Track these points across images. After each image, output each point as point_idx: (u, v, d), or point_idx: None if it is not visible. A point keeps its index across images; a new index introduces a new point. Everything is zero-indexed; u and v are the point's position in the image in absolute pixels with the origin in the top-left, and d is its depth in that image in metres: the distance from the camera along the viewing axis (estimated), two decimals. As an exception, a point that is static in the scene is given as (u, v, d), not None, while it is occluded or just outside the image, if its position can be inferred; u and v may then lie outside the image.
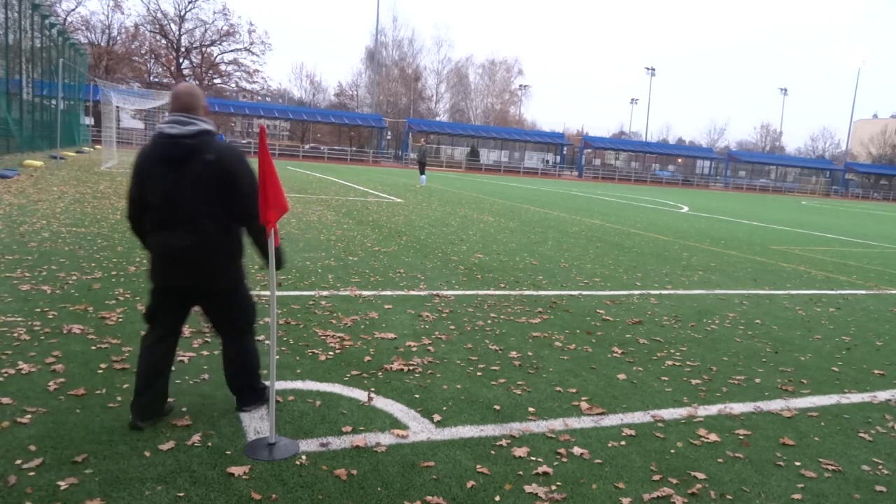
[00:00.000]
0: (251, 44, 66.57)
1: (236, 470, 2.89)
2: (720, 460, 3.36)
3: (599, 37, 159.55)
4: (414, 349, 4.78)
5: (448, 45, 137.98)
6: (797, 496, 3.05)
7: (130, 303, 5.45)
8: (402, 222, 12.74)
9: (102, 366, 4.01)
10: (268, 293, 5.11)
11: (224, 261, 3.24)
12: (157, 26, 64.71)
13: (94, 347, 4.32)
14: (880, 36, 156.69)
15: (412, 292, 6.61)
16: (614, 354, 5.00)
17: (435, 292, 6.67)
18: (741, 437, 3.67)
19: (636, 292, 7.47)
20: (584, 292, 7.24)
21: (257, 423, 3.38)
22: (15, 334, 4.44)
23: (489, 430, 3.52)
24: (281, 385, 3.89)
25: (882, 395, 4.55)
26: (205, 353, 4.37)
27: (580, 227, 14.44)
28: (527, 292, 7.01)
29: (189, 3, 63.78)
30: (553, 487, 2.95)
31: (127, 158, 24.94)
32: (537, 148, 66.43)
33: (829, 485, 3.19)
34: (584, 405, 3.94)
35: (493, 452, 3.26)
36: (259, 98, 71.16)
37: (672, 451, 3.42)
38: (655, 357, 5.02)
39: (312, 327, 5.14)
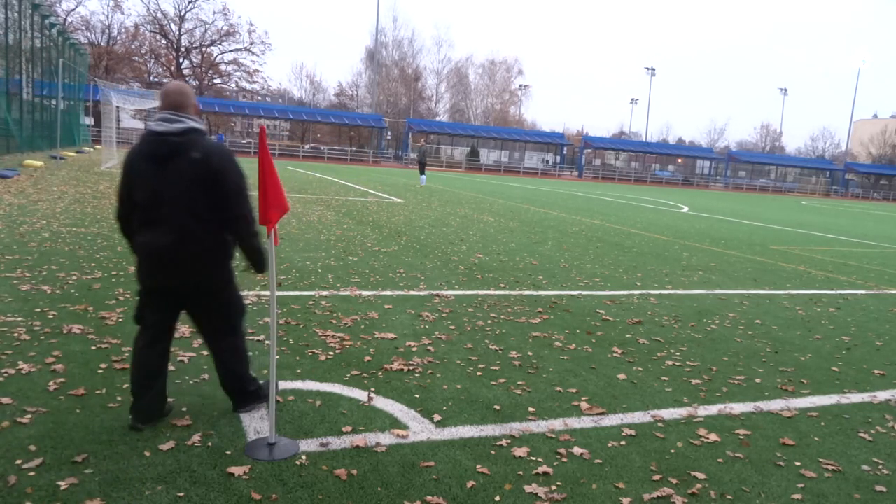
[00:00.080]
0: (251, 44, 66.67)
1: (236, 470, 2.89)
2: (720, 460, 3.36)
3: (599, 37, 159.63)
4: (414, 349, 4.78)
5: (448, 45, 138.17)
6: (797, 496, 3.05)
7: (130, 303, 5.45)
8: (402, 222, 12.74)
9: (102, 366, 4.01)
10: (268, 293, 5.11)
11: (209, 261, 3.17)
12: (157, 26, 64.76)
13: (94, 347, 4.32)
14: (880, 36, 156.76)
15: (412, 292, 6.61)
16: (614, 354, 5.00)
17: (435, 292, 6.67)
18: (741, 437, 3.67)
19: (636, 292, 7.47)
20: (584, 292, 7.24)
21: (257, 423, 3.39)
22: (15, 334, 4.44)
23: (489, 430, 3.52)
24: (281, 385, 3.88)
25: (882, 395, 4.56)
26: (205, 353, 4.36)
27: (580, 227, 14.44)
28: (527, 292, 7.01)
29: (189, 3, 63.85)
30: (553, 487, 2.95)
31: (127, 158, 24.88)
32: (537, 148, 66.43)
33: (829, 485, 3.19)
34: (584, 405, 3.94)
35: (493, 452, 3.26)
36: (259, 98, 71.20)
37: (672, 451, 3.42)
38: (655, 357, 5.02)
39: (312, 327, 5.14)
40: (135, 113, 46.34)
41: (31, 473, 2.76)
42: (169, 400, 3.46)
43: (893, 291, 8.95)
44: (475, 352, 4.82)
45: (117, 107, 27.64)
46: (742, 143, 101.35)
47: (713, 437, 3.63)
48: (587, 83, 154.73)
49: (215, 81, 68.90)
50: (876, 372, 5.09)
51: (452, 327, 5.42)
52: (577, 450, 3.34)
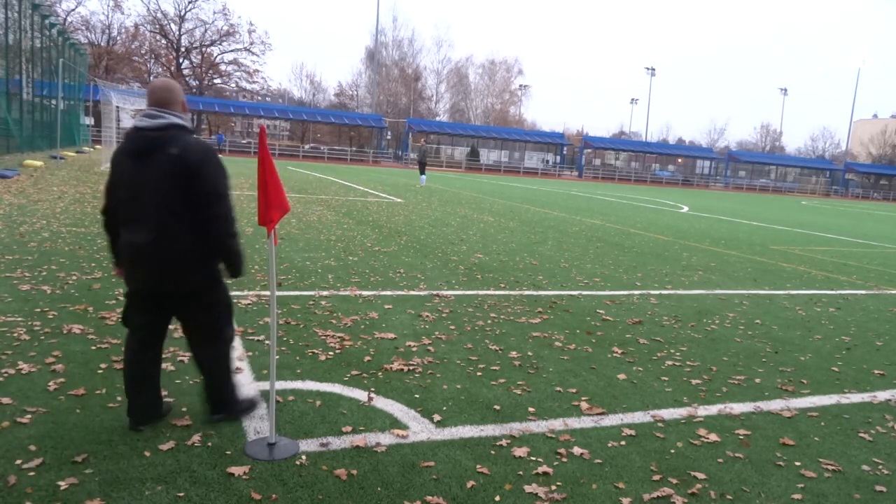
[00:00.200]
0: (251, 44, 66.70)
1: (236, 470, 2.89)
2: (720, 460, 3.36)
3: (599, 37, 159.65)
4: (414, 349, 4.78)
5: (448, 45, 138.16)
6: (797, 496, 3.05)
7: (130, 303, 5.44)
8: (402, 222, 12.74)
9: (102, 366, 4.01)
10: (268, 293, 5.11)
11: (189, 261, 3.05)
12: (157, 26, 64.77)
13: (94, 347, 4.32)
14: (880, 36, 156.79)
15: (412, 292, 6.61)
16: (614, 354, 5.00)
17: (435, 292, 6.67)
18: (741, 437, 3.67)
19: (636, 292, 7.47)
20: (584, 292, 7.24)
21: (257, 423, 3.39)
22: (15, 334, 4.44)
23: (489, 430, 3.52)
24: (281, 385, 3.89)
25: (882, 395, 4.56)
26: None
27: (580, 227, 14.44)
28: (527, 292, 7.01)
29: (189, 3, 63.86)
30: (553, 487, 2.95)
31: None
32: (537, 148, 66.43)
33: (829, 485, 3.19)
34: (584, 405, 3.94)
35: (493, 452, 3.26)
36: (259, 98, 71.21)
37: (672, 451, 3.42)
38: (655, 357, 5.02)
39: (312, 327, 5.14)
40: (135, 113, 46.32)
41: (31, 473, 2.76)
42: (169, 400, 3.46)
43: (893, 291, 8.95)
44: (475, 352, 4.82)
45: (117, 107, 27.65)
46: (742, 143, 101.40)
47: (713, 437, 3.63)
48: (587, 83, 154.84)
49: (215, 81, 68.91)
50: (876, 372, 5.09)
51: (452, 327, 5.42)
52: (577, 450, 3.34)
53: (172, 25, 65.09)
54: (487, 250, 9.77)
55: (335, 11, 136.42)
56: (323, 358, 4.44)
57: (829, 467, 3.37)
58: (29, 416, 3.27)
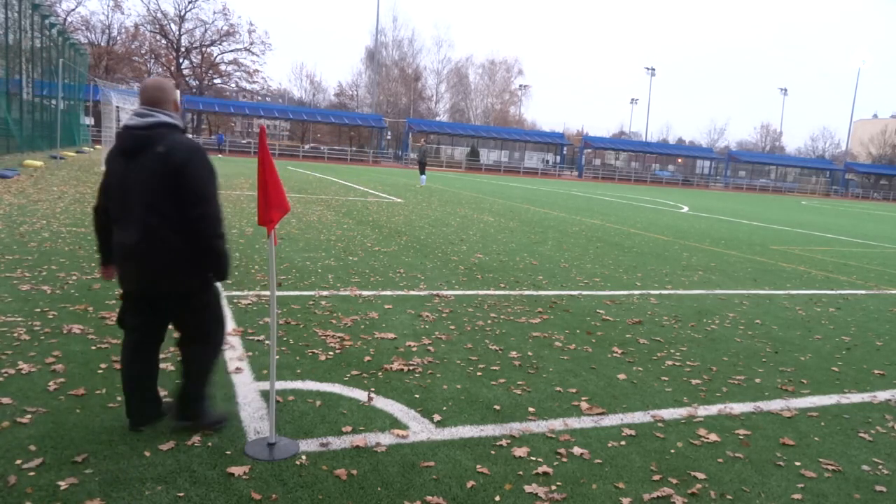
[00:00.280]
0: (251, 44, 66.75)
1: (236, 470, 2.89)
2: (720, 460, 3.36)
3: (599, 37, 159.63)
4: (414, 349, 4.78)
5: (448, 45, 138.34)
6: (797, 496, 3.05)
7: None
8: (402, 222, 12.74)
9: (102, 366, 4.01)
10: (268, 293, 5.11)
11: (177, 263, 2.99)
12: (157, 26, 64.80)
13: (94, 347, 4.32)
14: (880, 36, 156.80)
15: (412, 292, 6.61)
16: (614, 354, 5.00)
17: (435, 292, 6.67)
18: (741, 437, 3.67)
19: (636, 292, 7.47)
20: (584, 292, 7.24)
21: (257, 423, 3.39)
22: (15, 334, 4.44)
23: (489, 430, 3.52)
24: (281, 385, 3.89)
25: (882, 395, 4.56)
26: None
27: (580, 227, 14.44)
28: (527, 292, 7.01)
29: (189, 3, 63.89)
30: (553, 487, 2.95)
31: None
32: (537, 148, 66.43)
33: (829, 485, 3.19)
34: (584, 405, 3.94)
35: (493, 452, 3.26)
36: (259, 98, 71.23)
37: (672, 451, 3.42)
38: (655, 357, 5.02)
39: (312, 327, 5.14)
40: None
41: (31, 473, 2.76)
42: (169, 400, 3.46)
43: (893, 291, 8.95)
44: (475, 352, 4.82)
45: (117, 107, 27.63)
46: (742, 143, 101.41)
47: (713, 437, 3.63)
48: (587, 83, 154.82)
49: (215, 81, 68.94)
50: (876, 372, 5.09)
51: (452, 327, 5.42)
52: (577, 450, 3.34)
53: (172, 25, 65.14)
54: (487, 250, 9.77)
55: (335, 11, 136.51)
56: (323, 358, 4.44)
57: (829, 467, 3.37)
58: (29, 416, 3.27)
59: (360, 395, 3.87)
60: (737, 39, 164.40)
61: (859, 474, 3.32)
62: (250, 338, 4.76)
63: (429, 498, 2.79)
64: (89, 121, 44.60)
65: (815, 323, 6.60)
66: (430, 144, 59.79)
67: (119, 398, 3.53)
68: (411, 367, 4.37)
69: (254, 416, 3.47)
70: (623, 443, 3.48)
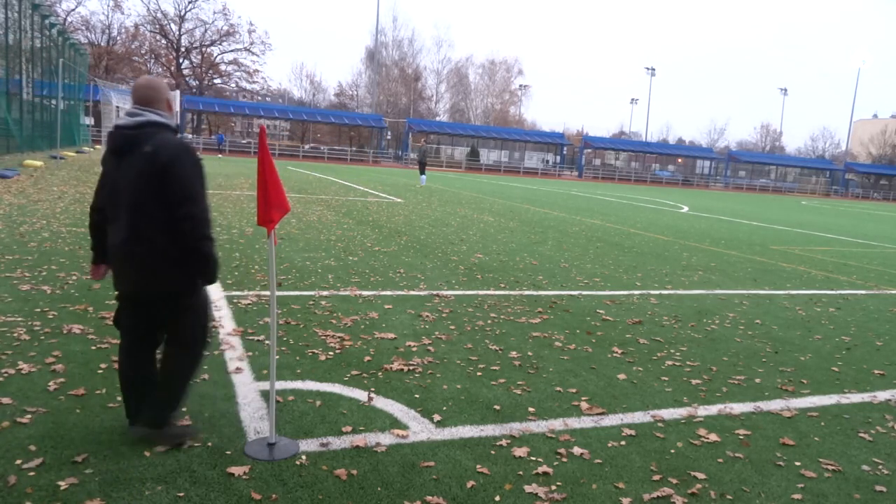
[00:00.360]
0: (251, 44, 66.78)
1: (236, 470, 2.89)
2: (720, 460, 3.36)
3: (599, 37, 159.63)
4: (414, 349, 4.78)
5: (448, 45, 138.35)
6: (797, 496, 3.05)
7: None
8: (402, 222, 12.74)
9: (102, 366, 4.01)
10: (268, 293, 5.11)
11: (163, 265, 2.94)
12: (157, 26, 64.82)
13: (94, 347, 4.33)
14: (880, 36, 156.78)
15: (412, 292, 6.61)
16: (614, 354, 5.00)
17: (435, 292, 6.67)
18: (741, 437, 3.67)
19: (636, 292, 7.47)
20: (584, 292, 7.24)
21: (257, 423, 3.39)
22: (15, 334, 4.44)
23: (489, 430, 3.52)
24: (281, 385, 3.89)
25: (882, 395, 4.56)
26: (204, 353, 4.36)
27: (580, 227, 14.44)
28: (527, 292, 7.01)
29: (189, 3, 63.91)
30: (553, 487, 2.95)
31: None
32: (537, 148, 66.44)
33: (829, 485, 3.19)
34: (584, 405, 3.94)
35: (493, 452, 3.26)
36: (259, 98, 71.25)
37: (672, 451, 3.42)
38: (655, 357, 5.02)
39: (312, 327, 5.14)
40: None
41: (31, 473, 2.76)
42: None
43: (893, 291, 8.95)
44: (475, 352, 4.82)
45: (117, 107, 27.66)
46: (742, 143, 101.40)
47: (713, 437, 3.63)
48: (587, 83, 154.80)
49: (215, 81, 68.95)
50: (876, 372, 5.09)
51: (452, 327, 5.42)
52: (577, 450, 3.34)
53: (172, 25, 65.16)
54: (487, 250, 9.77)
55: (335, 11, 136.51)
56: (323, 358, 4.44)
57: (829, 467, 3.37)
58: (29, 416, 3.27)
59: (360, 395, 3.87)
60: (737, 39, 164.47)
61: (859, 474, 3.32)
62: (250, 338, 4.76)
63: (429, 498, 2.79)
64: (89, 121, 44.58)
65: (815, 323, 6.60)
66: (431, 144, 59.78)
67: (119, 398, 3.52)
68: (411, 367, 4.37)
69: (254, 416, 3.47)
70: (623, 443, 3.48)
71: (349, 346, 4.73)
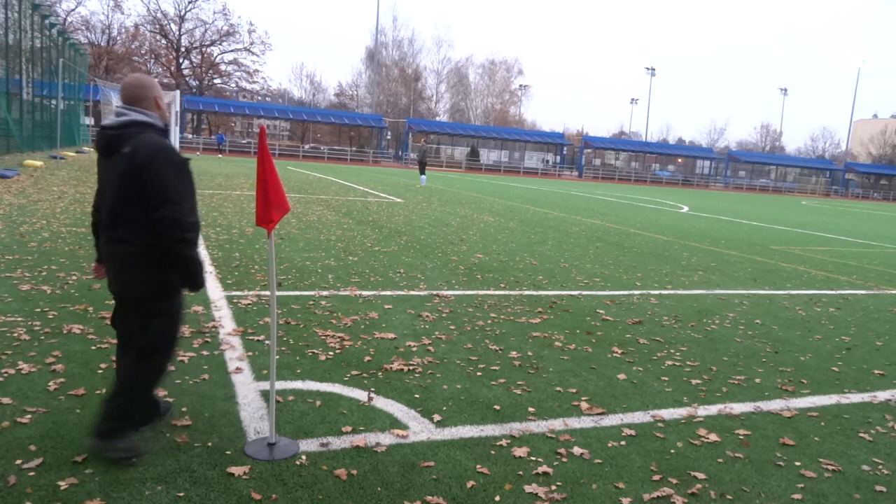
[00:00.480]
0: (251, 44, 66.79)
1: (236, 470, 2.89)
2: (720, 460, 3.36)
3: (599, 37, 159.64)
4: (414, 349, 4.78)
5: (448, 45, 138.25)
6: (797, 496, 3.05)
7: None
8: (402, 222, 12.74)
9: (102, 366, 4.01)
10: (268, 293, 5.11)
11: (135, 265, 2.88)
12: (157, 26, 64.83)
13: (94, 347, 4.33)
14: (880, 36, 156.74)
15: (412, 292, 6.61)
16: (614, 354, 5.00)
17: (435, 292, 6.67)
18: (741, 437, 3.67)
19: (636, 292, 7.47)
20: (584, 292, 7.24)
21: (257, 423, 3.39)
22: (15, 334, 4.44)
23: (489, 430, 3.52)
24: (281, 385, 3.89)
25: (882, 395, 4.56)
26: (205, 353, 4.37)
27: (580, 227, 14.44)
28: (527, 292, 7.01)
29: (189, 3, 63.92)
30: (553, 487, 2.95)
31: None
32: (537, 148, 66.44)
33: (829, 485, 3.19)
34: (584, 405, 3.94)
35: (493, 452, 3.26)
36: (259, 98, 71.26)
37: (672, 451, 3.42)
38: (655, 357, 5.02)
39: (312, 327, 5.14)
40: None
41: (31, 473, 2.76)
42: (169, 400, 3.46)
43: (893, 291, 8.95)
44: (475, 352, 4.82)
45: (117, 107, 27.68)
46: (742, 143, 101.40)
47: (713, 437, 3.63)
48: (587, 83, 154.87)
49: (215, 81, 68.96)
50: (876, 372, 5.09)
51: (452, 327, 5.42)
52: (577, 450, 3.34)
53: (172, 25, 65.16)
54: (487, 250, 9.77)
55: (335, 11, 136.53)
56: (323, 358, 4.44)
57: (829, 467, 3.37)
58: (29, 416, 3.27)
59: (360, 395, 3.87)
60: (737, 39, 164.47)
61: (859, 474, 3.32)
62: (250, 338, 4.77)
63: (429, 498, 2.79)
64: (89, 121, 44.59)
65: (815, 323, 6.60)
66: (431, 144, 59.78)
67: (119, 398, 3.53)
68: (411, 367, 4.37)
69: (254, 416, 3.47)
70: (623, 443, 3.48)
71: (349, 346, 4.73)
